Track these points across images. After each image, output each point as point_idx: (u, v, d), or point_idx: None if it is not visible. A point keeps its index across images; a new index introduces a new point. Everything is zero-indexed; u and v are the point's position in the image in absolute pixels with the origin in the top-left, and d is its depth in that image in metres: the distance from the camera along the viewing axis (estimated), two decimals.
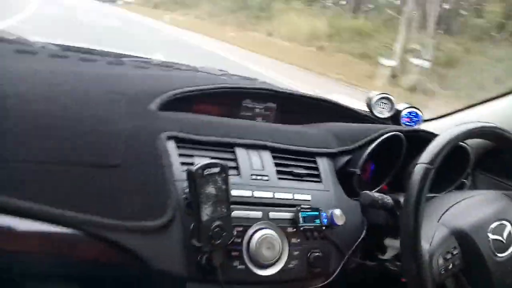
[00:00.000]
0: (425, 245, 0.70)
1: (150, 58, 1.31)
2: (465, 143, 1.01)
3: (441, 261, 0.70)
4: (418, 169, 0.70)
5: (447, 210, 0.77)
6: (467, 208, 0.78)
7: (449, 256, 0.71)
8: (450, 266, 0.70)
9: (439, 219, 0.76)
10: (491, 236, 0.73)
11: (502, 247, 0.73)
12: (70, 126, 0.69)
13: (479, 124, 0.78)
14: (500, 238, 0.73)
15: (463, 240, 0.72)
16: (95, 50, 1.26)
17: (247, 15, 23.51)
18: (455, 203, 0.80)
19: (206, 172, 0.65)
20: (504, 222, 0.75)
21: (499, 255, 0.72)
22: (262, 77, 1.37)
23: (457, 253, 0.71)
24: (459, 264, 0.72)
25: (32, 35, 1.17)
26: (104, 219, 0.64)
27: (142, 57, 1.32)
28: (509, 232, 0.74)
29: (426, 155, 0.71)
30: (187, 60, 1.40)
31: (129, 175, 0.69)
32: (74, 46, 1.20)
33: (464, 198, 0.83)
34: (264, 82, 1.32)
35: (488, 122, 0.80)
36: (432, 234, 0.72)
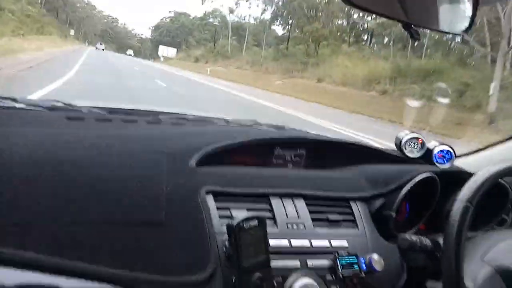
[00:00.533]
0: (469, 284, 0.69)
1: (185, 114, 1.40)
2: (503, 180, 1.00)
3: None
4: (457, 207, 0.71)
5: (490, 249, 0.76)
6: (509, 246, 0.77)
7: None
8: None
9: (482, 258, 0.75)
10: None
11: None
12: (118, 188, 0.75)
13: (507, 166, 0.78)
14: None
15: (509, 279, 0.71)
16: (135, 110, 1.37)
17: (291, 62, 24.06)
18: (499, 242, 0.79)
19: (246, 225, 0.68)
20: None
21: None
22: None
23: None
24: None
25: (76, 99, 1.29)
26: (150, 276, 0.67)
27: (177, 113, 1.41)
28: None
29: (465, 193, 0.72)
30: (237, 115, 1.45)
31: (172, 231, 0.73)
32: (116, 109, 1.31)
33: (507, 236, 0.81)
34: (293, 129, 1.38)
35: None
36: (476, 273, 0.72)
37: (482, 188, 0.72)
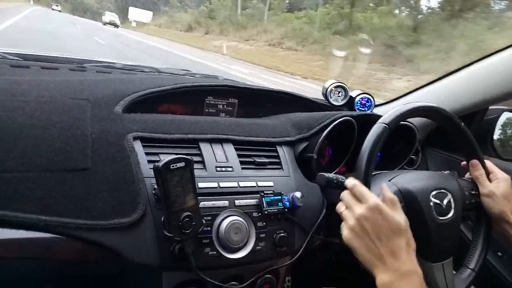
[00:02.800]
0: (374, 192, 0.76)
1: (112, 62, 1.33)
2: (411, 123, 1.10)
3: None
4: (375, 127, 0.79)
5: (397, 176, 0.86)
6: (415, 177, 0.87)
7: None
8: None
9: (389, 180, 0.84)
10: (433, 200, 0.81)
11: (442, 211, 0.82)
12: (37, 134, 0.72)
13: (421, 104, 0.87)
14: (440, 203, 0.82)
15: (409, 198, 0.81)
16: (57, 57, 1.27)
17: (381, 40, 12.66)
18: (406, 173, 0.89)
19: (172, 166, 0.70)
20: (445, 191, 0.84)
21: (439, 217, 0.81)
22: None
23: (402, 206, 0.78)
24: None
25: None
26: (77, 220, 0.68)
27: (104, 62, 1.34)
28: (449, 200, 0.83)
29: (383, 118, 0.80)
30: None
31: (99, 176, 0.73)
32: (34, 55, 1.22)
33: (413, 171, 0.92)
34: (226, 79, 1.38)
35: (429, 102, 0.89)
36: (381, 188, 0.80)
37: (398, 116, 0.80)
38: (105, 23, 32.64)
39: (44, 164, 0.70)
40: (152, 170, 0.73)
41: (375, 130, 0.78)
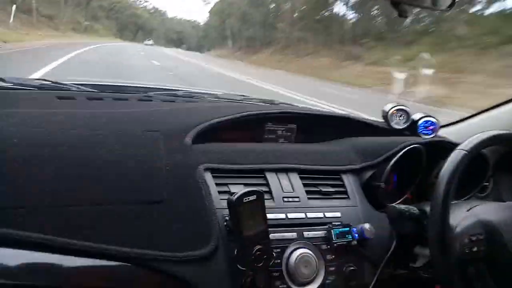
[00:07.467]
0: (452, 223, 0.74)
1: (175, 90, 1.39)
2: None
3: (466, 240, 0.73)
4: (455, 153, 0.74)
5: (476, 206, 0.81)
6: (496, 208, 0.82)
7: (474, 238, 0.74)
8: (475, 249, 0.74)
9: (468, 210, 0.79)
10: None
11: None
12: (116, 168, 0.76)
13: (502, 132, 0.81)
14: None
15: (490, 229, 0.75)
16: (125, 87, 1.35)
17: None
18: (486, 203, 0.84)
19: (245, 200, 0.71)
20: None
21: None
22: None
23: (482, 239, 0.74)
24: (483, 250, 0.74)
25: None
26: (155, 252, 0.70)
27: (167, 89, 1.40)
28: None
29: (463, 144, 0.75)
30: None
31: (173, 208, 0.75)
32: (106, 85, 1.30)
33: (492, 202, 0.86)
34: (283, 103, 1.39)
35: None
36: (461, 219, 0.76)
37: (482, 143, 0.76)
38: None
39: (122, 197, 0.73)
40: (222, 201, 0.74)
41: (454, 157, 0.74)
